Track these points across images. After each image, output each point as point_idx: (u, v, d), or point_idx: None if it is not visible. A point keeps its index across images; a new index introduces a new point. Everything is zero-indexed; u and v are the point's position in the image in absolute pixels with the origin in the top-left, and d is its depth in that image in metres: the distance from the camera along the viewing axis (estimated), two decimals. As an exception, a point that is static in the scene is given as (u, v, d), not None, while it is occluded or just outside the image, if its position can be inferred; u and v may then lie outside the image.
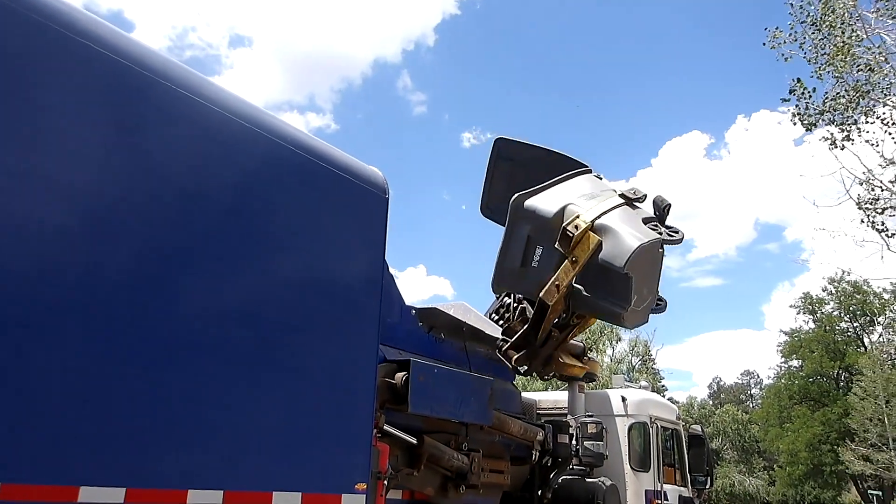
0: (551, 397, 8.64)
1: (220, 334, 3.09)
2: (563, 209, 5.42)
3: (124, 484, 2.55)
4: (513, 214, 5.48)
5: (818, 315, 67.57)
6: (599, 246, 5.15)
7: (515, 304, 6.70)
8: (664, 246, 5.48)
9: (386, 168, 4.56)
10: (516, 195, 5.55)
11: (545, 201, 5.48)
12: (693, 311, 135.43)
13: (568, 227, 5.18)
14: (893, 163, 12.24)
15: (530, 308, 6.16)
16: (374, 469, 4.00)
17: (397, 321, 5.13)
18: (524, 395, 8.39)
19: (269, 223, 3.45)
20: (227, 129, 3.28)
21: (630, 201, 5.69)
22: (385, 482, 4.13)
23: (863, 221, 12.53)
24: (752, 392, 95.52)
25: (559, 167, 5.99)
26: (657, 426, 8.07)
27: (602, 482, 7.08)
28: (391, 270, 4.89)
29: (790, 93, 12.86)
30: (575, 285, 5.39)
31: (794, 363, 71.12)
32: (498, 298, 6.90)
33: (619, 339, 57.12)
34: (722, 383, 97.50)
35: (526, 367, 6.28)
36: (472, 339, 5.94)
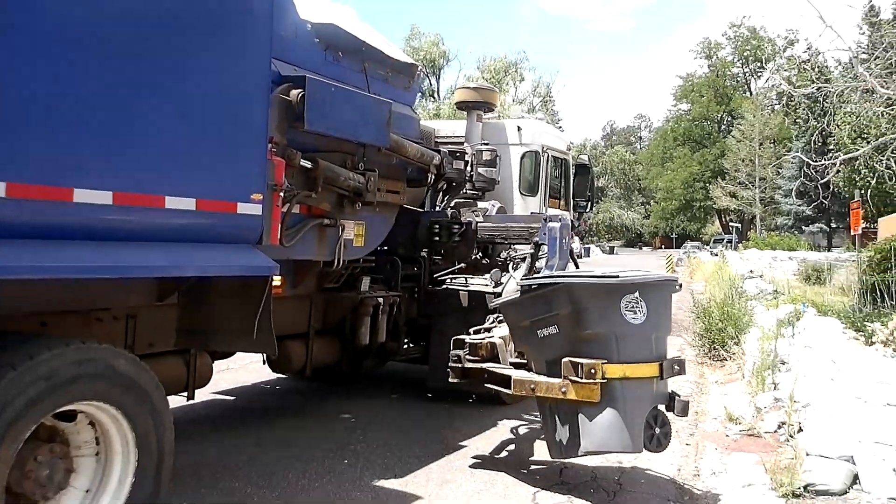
0: (450, 126, 8.78)
1: (100, 35, 2.86)
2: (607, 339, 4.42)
3: (3, 178, 2.48)
4: (562, 291, 4.52)
5: (714, 60, 69.58)
6: (597, 406, 4.30)
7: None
8: None
9: None
10: (580, 285, 4.54)
11: (598, 309, 4.42)
12: (597, 53, 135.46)
13: (585, 365, 4.26)
14: None
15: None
16: (269, 181, 4.05)
17: (291, 36, 4.86)
18: (424, 122, 8.47)
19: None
20: None
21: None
22: (281, 194, 4.21)
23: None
24: (642, 135, 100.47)
25: None
26: (548, 155, 8.46)
27: (492, 204, 7.55)
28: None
29: None
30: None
31: (684, 107, 74.62)
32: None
33: (522, 80, 57.43)
34: (615, 126, 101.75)
35: None
36: (371, 60, 5.76)
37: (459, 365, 5.23)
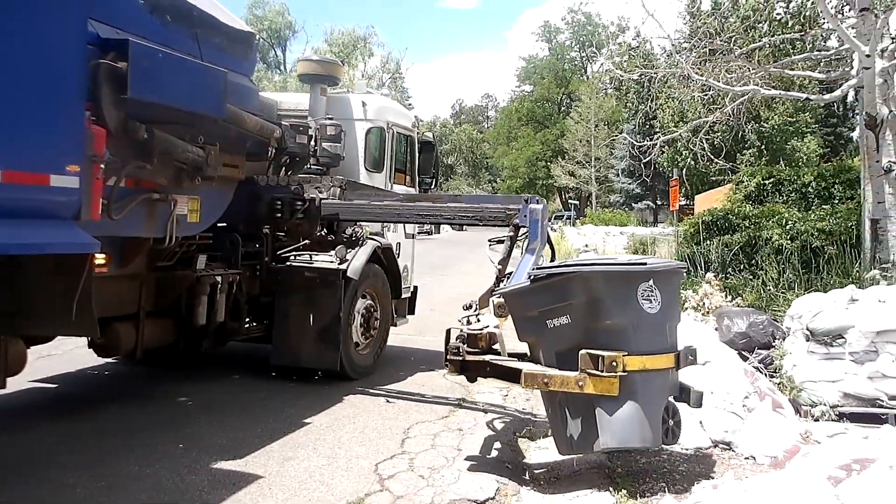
0: (293, 99, 8.57)
1: None
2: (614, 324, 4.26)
3: None
4: (577, 280, 4.28)
5: (553, 43, 72.85)
6: (616, 400, 4.09)
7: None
8: None
9: None
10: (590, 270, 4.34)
11: (616, 299, 4.23)
12: (444, 31, 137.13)
13: (606, 357, 4.07)
14: None
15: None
16: (89, 152, 3.77)
17: (112, -5, 4.53)
18: (266, 94, 8.21)
19: None
20: None
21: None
22: (102, 166, 3.94)
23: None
24: (489, 114, 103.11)
25: None
26: (393, 131, 8.49)
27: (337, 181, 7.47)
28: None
29: None
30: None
31: (527, 88, 77.58)
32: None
33: (372, 55, 57.05)
34: (464, 104, 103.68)
35: None
36: (204, 27, 5.49)
37: (459, 358, 4.80)
